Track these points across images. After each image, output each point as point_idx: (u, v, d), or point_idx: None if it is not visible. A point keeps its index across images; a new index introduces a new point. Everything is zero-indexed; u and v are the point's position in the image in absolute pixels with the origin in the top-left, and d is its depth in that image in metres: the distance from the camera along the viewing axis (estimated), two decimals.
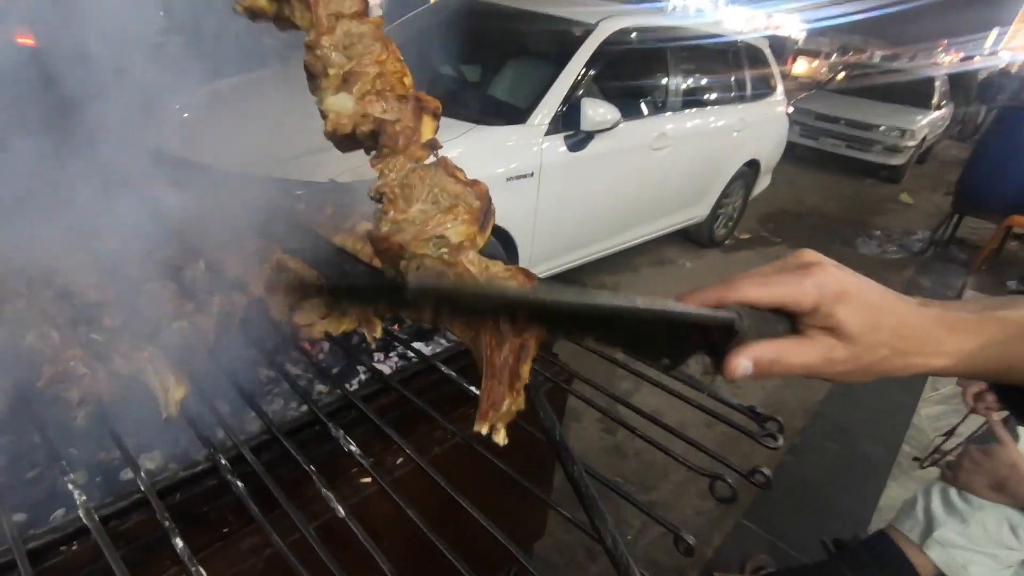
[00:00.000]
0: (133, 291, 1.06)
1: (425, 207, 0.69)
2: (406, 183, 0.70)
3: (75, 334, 0.91)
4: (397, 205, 0.69)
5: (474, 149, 2.88)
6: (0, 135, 1.08)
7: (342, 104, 0.72)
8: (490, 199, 0.72)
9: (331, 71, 0.72)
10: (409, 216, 0.68)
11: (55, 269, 1.07)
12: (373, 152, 0.74)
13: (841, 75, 10.29)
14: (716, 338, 0.49)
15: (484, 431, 0.52)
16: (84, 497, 0.66)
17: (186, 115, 3.17)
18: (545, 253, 3.44)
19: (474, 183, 0.72)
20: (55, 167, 1.15)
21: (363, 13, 0.76)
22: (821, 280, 0.47)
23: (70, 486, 0.68)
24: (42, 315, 0.94)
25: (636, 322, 0.46)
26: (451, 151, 2.80)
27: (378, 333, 1.06)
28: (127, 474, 0.84)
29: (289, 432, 0.82)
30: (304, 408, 0.93)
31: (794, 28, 24.29)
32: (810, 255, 0.51)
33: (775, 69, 5.22)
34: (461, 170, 0.73)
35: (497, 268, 0.63)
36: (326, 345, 1.17)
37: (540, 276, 2.83)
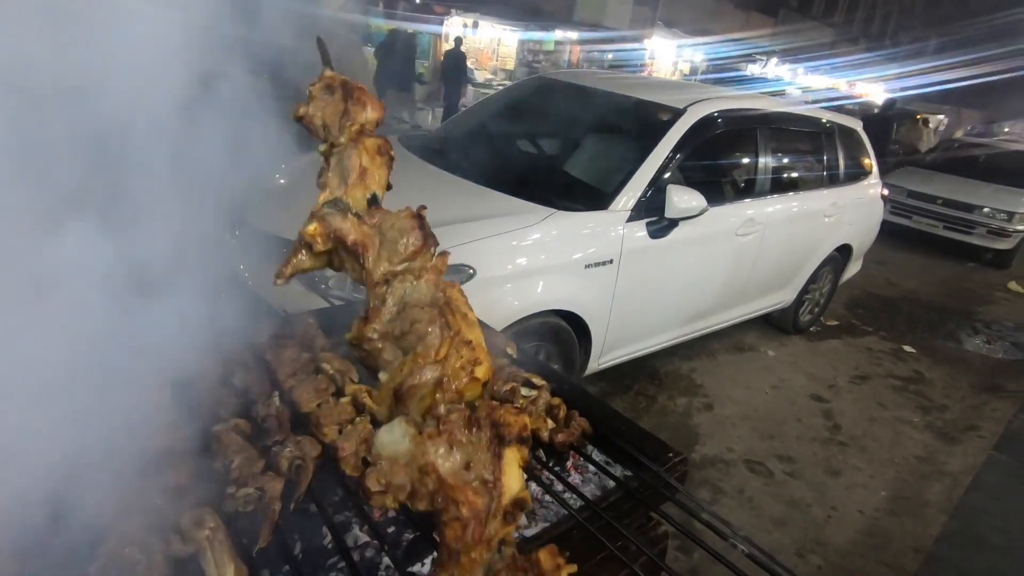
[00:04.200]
0: (204, 432, 0.99)
1: None
2: None
3: (139, 494, 0.84)
4: None
5: (553, 235, 2.80)
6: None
7: (393, 446, 0.59)
8: None
9: (383, 376, 0.63)
10: None
11: (133, 395, 1.02)
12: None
13: (936, 150, 9.72)
14: None
15: None
16: None
17: (282, 182, 3.30)
18: (620, 340, 3.26)
19: None
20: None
21: (418, 252, 0.65)
22: None
23: None
24: (110, 465, 0.88)
25: None
26: (528, 237, 2.74)
27: None
28: None
29: None
30: None
31: (878, 96, 23.64)
32: None
33: (870, 151, 4.94)
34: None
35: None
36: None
37: (611, 364, 2.64)
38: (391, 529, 1.00)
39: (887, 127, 10.37)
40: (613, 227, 2.97)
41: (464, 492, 0.52)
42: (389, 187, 0.85)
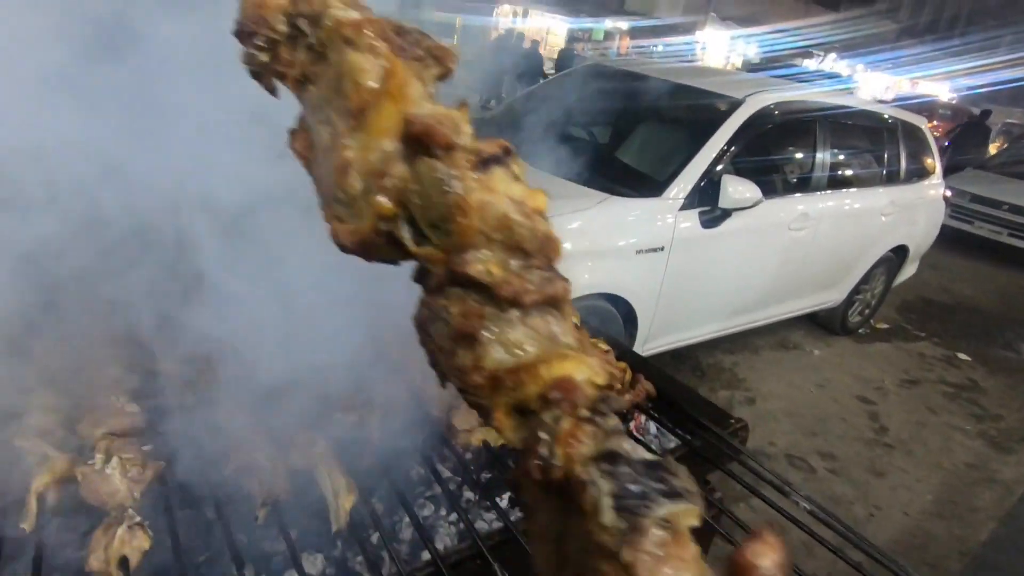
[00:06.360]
0: (311, 369, 1.09)
1: None
2: None
3: (258, 417, 0.94)
4: None
5: (605, 219, 2.85)
6: None
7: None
8: None
9: None
10: None
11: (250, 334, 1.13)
12: None
13: (1004, 154, 9.27)
14: None
15: None
16: None
17: None
18: (664, 328, 3.29)
19: None
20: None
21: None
22: None
23: None
24: (230, 392, 0.99)
25: None
26: (581, 220, 2.78)
27: None
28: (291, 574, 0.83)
29: (454, 565, 0.78)
30: (457, 521, 0.89)
31: (943, 95, 22.51)
32: None
33: (934, 150, 4.77)
34: None
35: None
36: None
37: (655, 352, 2.62)
38: (474, 469, 1.08)
39: (984, 136, 10.27)
40: (665, 215, 2.99)
41: None
42: None
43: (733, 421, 1.18)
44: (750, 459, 1.05)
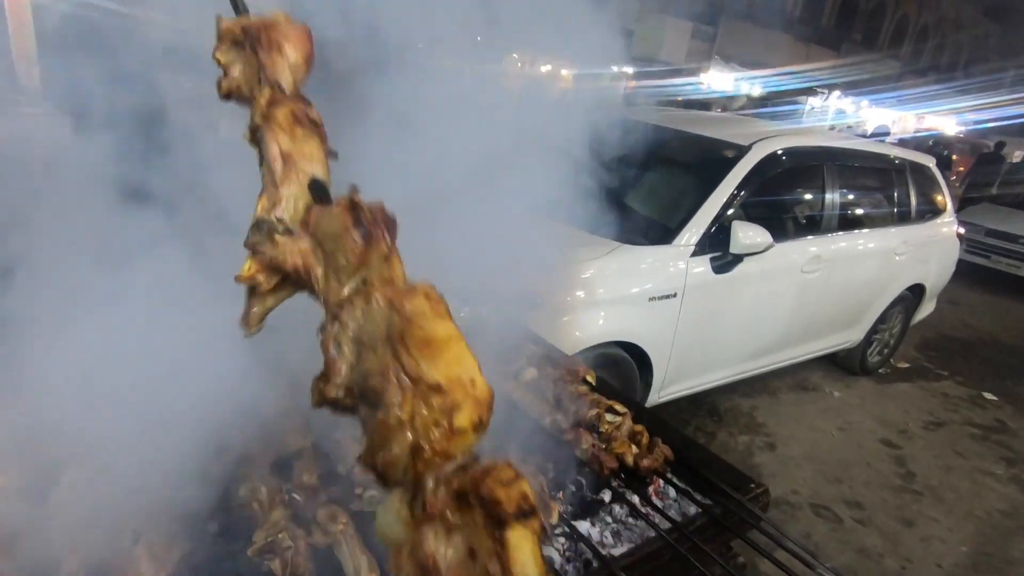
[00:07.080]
0: (326, 438, 1.11)
1: None
2: None
3: (279, 489, 0.96)
4: None
5: (617, 267, 2.87)
6: None
7: (390, 530, 0.50)
8: None
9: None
10: None
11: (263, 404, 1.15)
12: None
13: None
14: None
15: None
16: None
17: None
18: (680, 374, 3.26)
19: None
20: None
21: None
22: None
23: None
24: (251, 462, 1.00)
25: None
26: (594, 269, 2.80)
27: (554, 518, 1.01)
28: None
29: None
30: None
31: (950, 129, 22.64)
32: None
33: (944, 188, 4.78)
34: None
35: None
36: None
37: (671, 398, 2.63)
38: None
39: (998, 166, 10.78)
40: (677, 261, 3.01)
41: None
42: (334, 155, 0.65)
43: (754, 486, 1.17)
44: (772, 527, 1.04)
